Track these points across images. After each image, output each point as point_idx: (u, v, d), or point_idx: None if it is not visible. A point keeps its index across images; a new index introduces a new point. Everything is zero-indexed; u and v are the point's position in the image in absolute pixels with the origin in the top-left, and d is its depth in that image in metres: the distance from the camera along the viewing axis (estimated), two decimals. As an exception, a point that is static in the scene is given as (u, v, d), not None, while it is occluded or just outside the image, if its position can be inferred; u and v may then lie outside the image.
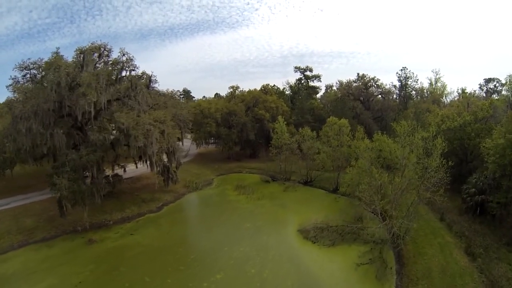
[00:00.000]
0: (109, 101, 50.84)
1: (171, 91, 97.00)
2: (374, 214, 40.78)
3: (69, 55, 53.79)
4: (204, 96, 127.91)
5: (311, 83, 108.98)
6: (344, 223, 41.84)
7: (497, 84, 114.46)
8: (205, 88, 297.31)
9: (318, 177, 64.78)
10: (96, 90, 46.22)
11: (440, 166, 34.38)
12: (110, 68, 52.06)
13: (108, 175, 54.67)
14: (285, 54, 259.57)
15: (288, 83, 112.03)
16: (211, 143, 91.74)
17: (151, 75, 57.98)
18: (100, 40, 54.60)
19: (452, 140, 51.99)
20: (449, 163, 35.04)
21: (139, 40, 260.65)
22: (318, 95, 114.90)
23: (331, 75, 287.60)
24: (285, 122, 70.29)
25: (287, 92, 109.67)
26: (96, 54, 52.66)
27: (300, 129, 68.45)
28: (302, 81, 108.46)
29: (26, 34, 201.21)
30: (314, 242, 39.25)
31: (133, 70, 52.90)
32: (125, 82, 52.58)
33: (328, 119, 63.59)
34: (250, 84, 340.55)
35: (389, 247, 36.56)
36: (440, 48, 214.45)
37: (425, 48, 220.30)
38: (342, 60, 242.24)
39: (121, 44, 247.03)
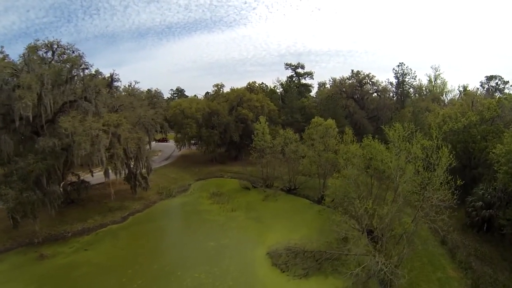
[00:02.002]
0: (65, 104, 44.17)
1: (155, 90, 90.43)
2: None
3: None
4: (195, 95, 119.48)
5: (303, 81, 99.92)
6: (323, 249, 33.18)
7: (499, 82, 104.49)
8: (203, 87, 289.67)
9: (303, 184, 56.04)
10: (40, 92, 39.98)
11: (444, 183, 25.37)
12: (59, 67, 44.27)
13: (73, 182, 49.63)
14: (283, 53, 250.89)
15: (279, 81, 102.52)
16: (194, 144, 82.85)
17: (113, 74, 50.55)
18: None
19: (455, 143, 43.57)
20: (458, 181, 26.08)
21: (136, 39, 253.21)
22: (313, 93, 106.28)
23: (329, 74, 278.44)
24: (267, 123, 61.07)
25: (278, 90, 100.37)
26: (49, 52, 45.80)
27: (282, 130, 59.62)
28: (294, 79, 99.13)
29: (23, 33, 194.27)
30: (284, 271, 31.05)
31: (86, 68, 45.54)
32: (77, 83, 45.08)
33: (313, 119, 54.81)
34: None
35: (375, 281, 28.00)
36: (439, 45, 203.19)
37: (423, 45, 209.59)
38: (339, 59, 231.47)
39: (118, 43, 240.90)
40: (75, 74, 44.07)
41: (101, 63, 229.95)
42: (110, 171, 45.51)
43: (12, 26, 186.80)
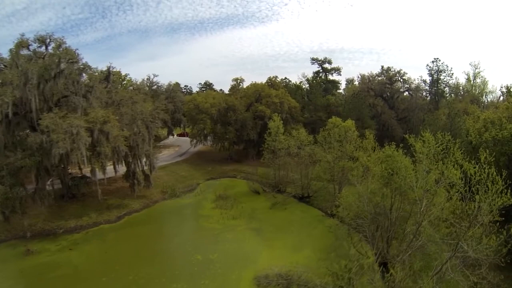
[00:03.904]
0: (59, 99, 41.01)
1: (174, 83, 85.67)
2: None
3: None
4: (220, 89, 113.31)
5: (330, 77, 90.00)
6: (323, 280, 25.25)
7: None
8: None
9: (318, 191, 47.58)
10: (25, 88, 36.87)
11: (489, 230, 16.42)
12: (47, 62, 39.91)
13: (74, 177, 46.33)
14: (315, 50, 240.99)
15: (304, 76, 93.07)
16: (211, 141, 76.04)
17: (110, 67, 45.87)
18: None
19: (498, 155, 34.06)
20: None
21: (169, 33, 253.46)
22: (341, 90, 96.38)
23: (362, 72, 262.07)
24: (281, 121, 53.42)
25: (304, 86, 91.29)
26: (43, 47, 42.25)
27: (295, 131, 51.60)
28: (320, 74, 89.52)
29: (60, 29, 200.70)
30: (269, 305, 23.82)
31: (75, 62, 40.82)
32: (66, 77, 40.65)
33: (330, 119, 46.46)
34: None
35: None
36: (478, 41, 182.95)
37: (461, 41, 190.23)
38: (372, 56, 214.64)
39: (151, 38, 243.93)
40: (63, 68, 39.05)
41: (134, 57, 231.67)
42: (97, 170, 40.52)
43: (49, 22, 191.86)
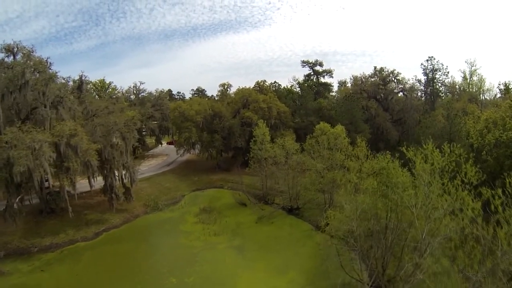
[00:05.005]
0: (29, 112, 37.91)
1: (161, 91, 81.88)
2: None
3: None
4: (212, 96, 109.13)
5: (322, 79, 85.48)
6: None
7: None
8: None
9: (309, 203, 43.01)
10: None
11: None
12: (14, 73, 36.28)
13: (51, 191, 42.82)
14: (309, 53, 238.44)
15: (295, 80, 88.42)
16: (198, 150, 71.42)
17: (82, 76, 42.45)
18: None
19: (502, 159, 30.46)
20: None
21: (163, 40, 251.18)
22: (333, 93, 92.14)
23: (356, 74, 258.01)
24: (270, 127, 49.40)
25: (296, 90, 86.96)
26: (11, 57, 38.66)
27: (279, 138, 47.31)
28: (312, 77, 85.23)
29: (53, 37, 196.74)
30: None
31: (42, 72, 37.39)
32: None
33: (317, 125, 42.27)
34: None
35: None
36: (473, 39, 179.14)
37: (455, 39, 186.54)
38: (365, 58, 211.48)
39: (145, 45, 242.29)
40: (27, 79, 35.31)
41: (128, 64, 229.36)
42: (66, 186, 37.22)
43: (42, 31, 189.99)
